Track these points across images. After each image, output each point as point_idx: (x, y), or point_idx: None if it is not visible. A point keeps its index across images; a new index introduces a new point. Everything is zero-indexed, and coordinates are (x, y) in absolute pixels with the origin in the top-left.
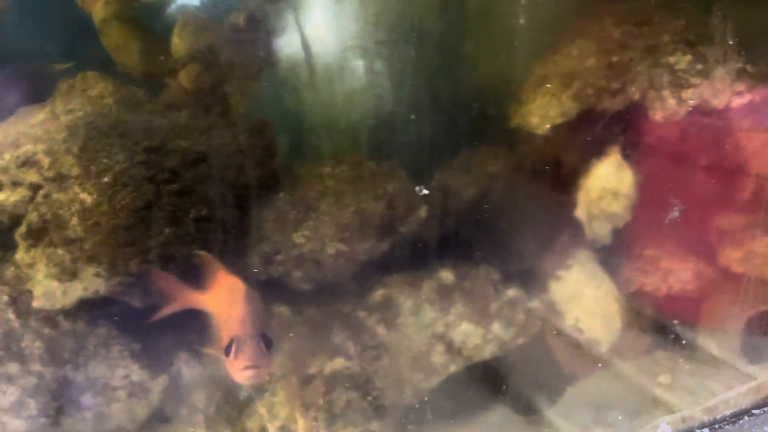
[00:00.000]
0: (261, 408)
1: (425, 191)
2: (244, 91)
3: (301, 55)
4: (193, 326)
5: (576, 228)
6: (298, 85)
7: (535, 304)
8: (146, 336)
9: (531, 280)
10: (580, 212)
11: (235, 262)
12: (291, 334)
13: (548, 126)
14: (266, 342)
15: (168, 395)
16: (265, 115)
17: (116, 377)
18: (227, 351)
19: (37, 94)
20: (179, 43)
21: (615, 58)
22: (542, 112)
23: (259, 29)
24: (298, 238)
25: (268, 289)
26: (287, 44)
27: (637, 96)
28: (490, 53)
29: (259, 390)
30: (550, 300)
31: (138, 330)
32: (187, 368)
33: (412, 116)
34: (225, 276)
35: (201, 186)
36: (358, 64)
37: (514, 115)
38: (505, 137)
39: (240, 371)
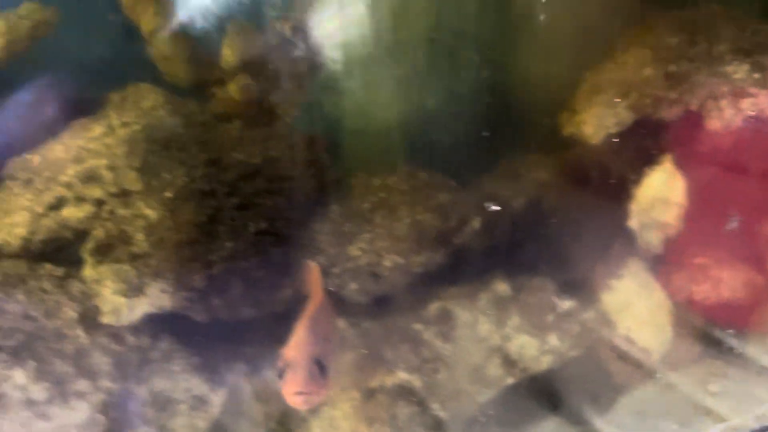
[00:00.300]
0: (322, 422)
1: (495, 207)
2: (292, 101)
3: (345, 65)
4: (251, 339)
5: (628, 237)
6: (343, 96)
7: (589, 314)
8: (206, 349)
9: (584, 290)
10: (633, 222)
11: (293, 275)
12: (362, 350)
13: (603, 135)
14: (321, 368)
15: (228, 408)
16: (310, 126)
17: (178, 390)
18: (279, 374)
19: (87, 107)
20: (229, 54)
21: (673, 68)
22: (597, 122)
23: (304, 38)
24: (354, 250)
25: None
26: (332, 54)
27: (694, 105)
28: (540, 61)
29: (321, 402)
30: (602, 310)
31: (198, 343)
32: (246, 382)
33: (459, 125)
34: (313, 292)
35: (258, 199)
36: (405, 73)
37: (566, 123)
38: (555, 146)
39: (290, 396)
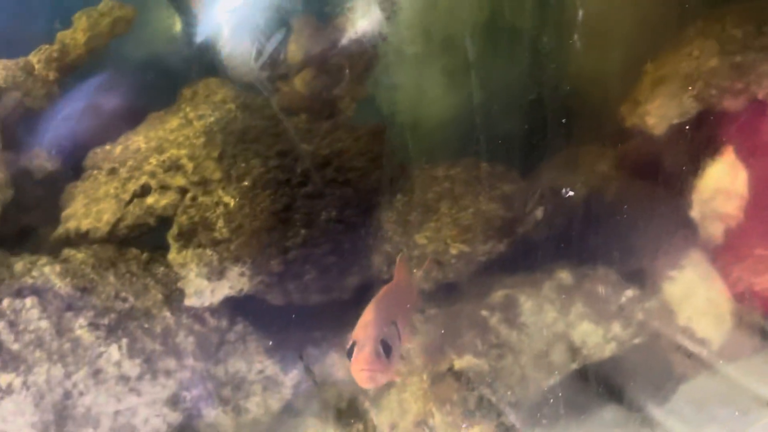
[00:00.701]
0: (392, 403)
1: (571, 192)
2: (353, 95)
3: (403, 59)
4: (321, 325)
5: (689, 228)
6: (402, 90)
7: (650, 304)
8: (278, 333)
9: (646, 280)
10: (694, 212)
11: (362, 262)
12: (430, 335)
13: (666, 126)
14: (386, 348)
15: (299, 390)
16: (372, 118)
17: (252, 372)
18: (348, 353)
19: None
20: (295, 49)
21: (738, 59)
22: (661, 113)
23: (363, 34)
24: (420, 239)
25: None
26: (390, 49)
27: (761, 95)
28: (602, 53)
29: (389, 385)
30: (663, 300)
31: (271, 327)
32: (317, 365)
33: (521, 118)
34: (395, 277)
35: (328, 189)
36: (465, 67)
37: (629, 115)
38: (617, 137)
39: (356, 373)
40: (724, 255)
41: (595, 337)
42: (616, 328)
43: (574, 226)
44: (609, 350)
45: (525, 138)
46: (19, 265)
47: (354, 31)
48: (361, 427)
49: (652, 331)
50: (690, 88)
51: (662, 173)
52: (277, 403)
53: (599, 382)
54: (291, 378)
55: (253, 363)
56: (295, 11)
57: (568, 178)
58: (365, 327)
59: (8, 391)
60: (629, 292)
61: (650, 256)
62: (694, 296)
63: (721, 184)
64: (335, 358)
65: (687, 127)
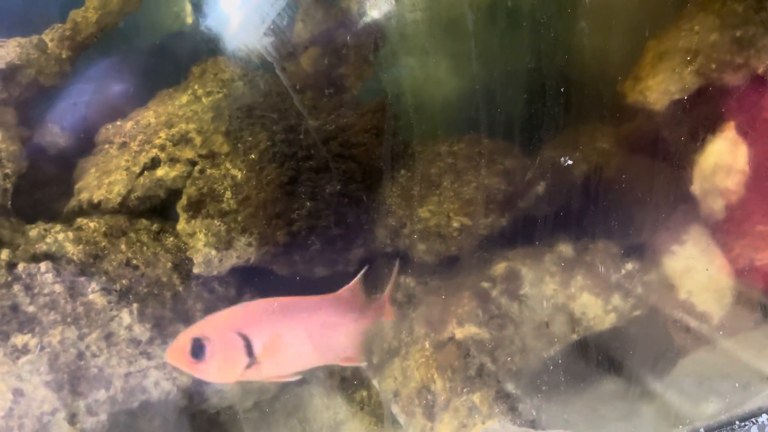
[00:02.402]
0: (395, 372)
1: (570, 161)
2: (359, 74)
3: (407, 37)
4: (326, 293)
5: (690, 203)
6: (406, 68)
7: (650, 277)
8: None
9: (646, 254)
10: (695, 188)
11: (365, 234)
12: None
13: (667, 102)
14: (197, 349)
15: None
16: (376, 96)
17: None
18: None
19: (167, 79)
20: (302, 28)
21: (739, 33)
22: (662, 88)
23: (369, 14)
24: (423, 212)
25: (393, 261)
26: (395, 28)
27: (761, 70)
28: (602, 29)
29: (392, 354)
30: (663, 274)
31: (278, 295)
32: None
33: (520, 93)
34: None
35: (333, 163)
36: (465, 43)
37: (630, 91)
38: (618, 114)
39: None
40: (725, 230)
41: (595, 309)
42: (616, 300)
43: (574, 201)
44: (609, 322)
45: (527, 117)
46: (33, 232)
47: (360, 11)
48: (364, 394)
49: (652, 304)
50: (691, 63)
51: (663, 149)
52: None
53: (599, 354)
54: None
55: None
56: None
57: (569, 154)
58: (211, 320)
59: (24, 351)
60: (629, 266)
61: (651, 231)
62: (695, 271)
63: (722, 159)
64: None
65: (687, 103)
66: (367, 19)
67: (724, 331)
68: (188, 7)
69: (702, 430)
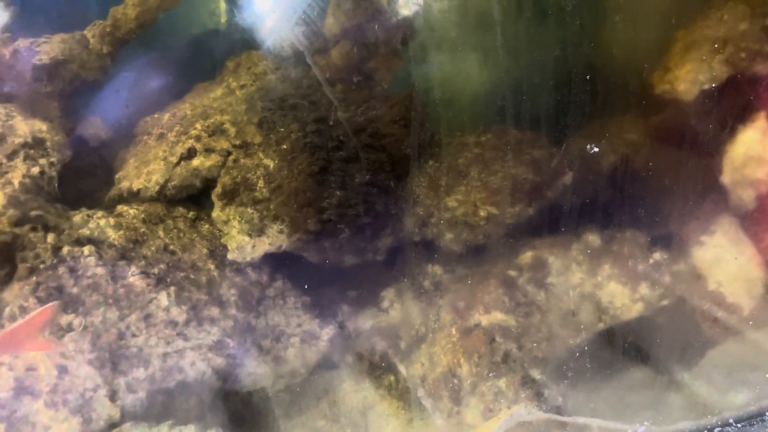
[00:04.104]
0: (422, 357)
1: (596, 149)
2: (388, 67)
3: (436, 30)
4: (354, 284)
5: (720, 194)
6: (436, 62)
7: (679, 267)
8: (315, 290)
9: (675, 244)
10: (725, 178)
11: (394, 223)
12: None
13: (697, 91)
14: None
15: (335, 344)
16: (405, 89)
17: (291, 325)
18: None
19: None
20: (333, 23)
21: None
22: (691, 78)
23: (398, 8)
24: (450, 201)
25: (421, 250)
26: (424, 21)
27: None
28: (630, 20)
29: (420, 340)
30: (692, 264)
31: (308, 284)
32: (351, 321)
33: (548, 85)
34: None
35: (362, 153)
36: (493, 36)
37: (659, 82)
38: (647, 105)
39: None
40: (756, 221)
41: (623, 298)
42: (644, 289)
43: (602, 191)
44: (636, 311)
45: (555, 108)
46: (77, 217)
47: (390, 5)
48: (392, 378)
49: (681, 294)
50: (720, 52)
51: (692, 139)
52: (314, 356)
53: (626, 343)
54: (327, 333)
55: (292, 317)
56: None
57: (596, 144)
58: None
59: (68, 329)
60: (657, 255)
61: (679, 221)
62: (724, 262)
63: (752, 149)
64: (368, 315)
65: (717, 92)
66: (396, 13)
67: (754, 322)
68: (222, 6)
69: (732, 420)
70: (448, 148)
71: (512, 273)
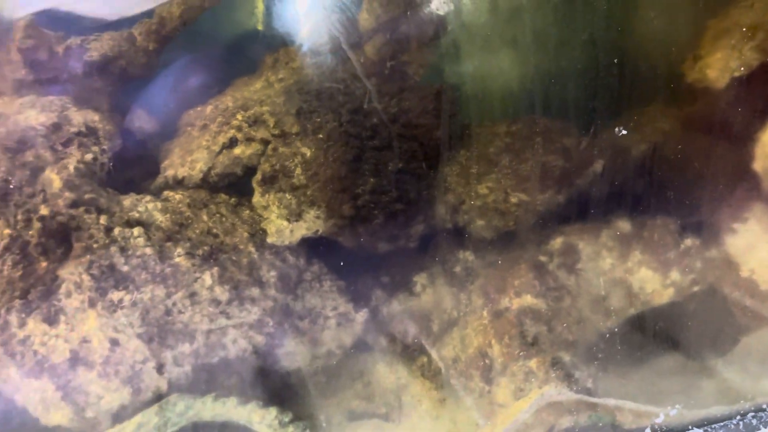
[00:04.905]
0: (454, 339)
1: (624, 131)
2: (421, 62)
3: (467, 23)
4: (387, 270)
5: (752, 181)
6: (466, 51)
7: (711, 253)
8: (350, 275)
9: (707, 231)
10: (757, 165)
11: (426, 210)
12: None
13: (728, 79)
14: None
15: (369, 327)
16: (437, 81)
17: (327, 308)
18: None
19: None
20: (367, 18)
21: None
22: (722, 65)
23: (432, 5)
24: (482, 189)
25: (453, 236)
26: (456, 14)
27: None
28: (662, 10)
29: (451, 324)
30: (725, 251)
31: (343, 269)
32: (385, 305)
33: (579, 75)
34: None
35: (395, 142)
36: (523, 28)
37: (690, 70)
38: (678, 93)
39: None
40: None
41: (654, 283)
42: (675, 275)
43: (633, 178)
44: (667, 296)
45: (586, 98)
46: (127, 201)
47: (422, 2)
48: (425, 360)
49: (713, 280)
50: (751, 39)
51: (723, 126)
52: (349, 338)
53: (658, 328)
54: (361, 316)
55: (328, 300)
56: None
57: (628, 136)
58: None
59: (120, 305)
60: (689, 242)
61: (711, 208)
62: (758, 249)
63: None
64: (401, 299)
65: (748, 79)
66: (429, 9)
67: None
68: (261, 5)
69: (765, 406)
70: (479, 138)
71: (543, 258)
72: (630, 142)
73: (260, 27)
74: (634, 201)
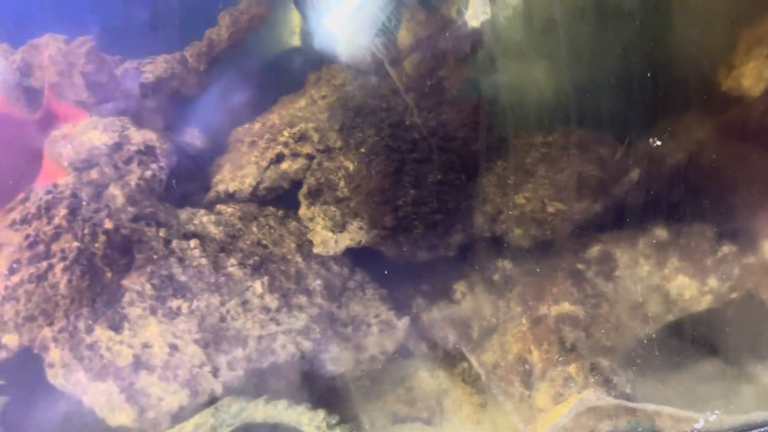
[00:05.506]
0: (494, 345)
1: (658, 142)
2: (457, 76)
3: (503, 38)
4: (428, 278)
5: None
6: (502, 65)
7: (749, 260)
8: (391, 283)
9: (744, 237)
10: None
11: (464, 220)
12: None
13: (763, 87)
14: None
15: (410, 334)
16: (474, 95)
17: (369, 315)
18: None
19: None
20: (405, 35)
21: None
22: (756, 74)
23: (467, 19)
24: (519, 199)
25: (491, 245)
26: (492, 30)
27: None
28: (696, 21)
29: (491, 331)
30: (763, 258)
31: (385, 278)
32: (425, 312)
33: (614, 86)
34: None
35: (434, 155)
36: (557, 42)
37: (723, 79)
38: (713, 102)
39: None
40: None
41: (691, 290)
42: (713, 281)
43: (669, 187)
44: (705, 303)
45: (622, 108)
46: (183, 215)
47: (459, 18)
48: (465, 365)
49: (751, 286)
50: None
51: (759, 134)
52: (391, 344)
53: (696, 334)
54: (403, 323)
55: (370, 308)
56: (405, 2)
57: (663, 141)
58: None
59: (178, 312)
60: (726, 249)
61: (748, 216)
62: None
63: None
64: (441, 307)
65: None
66: (465, 23)
67: None
68: (302, 25)
69: None
70: (516, 149)
71: (580, 266)
72: (666, 150)
73: (302, 46)
74: (671, 209)
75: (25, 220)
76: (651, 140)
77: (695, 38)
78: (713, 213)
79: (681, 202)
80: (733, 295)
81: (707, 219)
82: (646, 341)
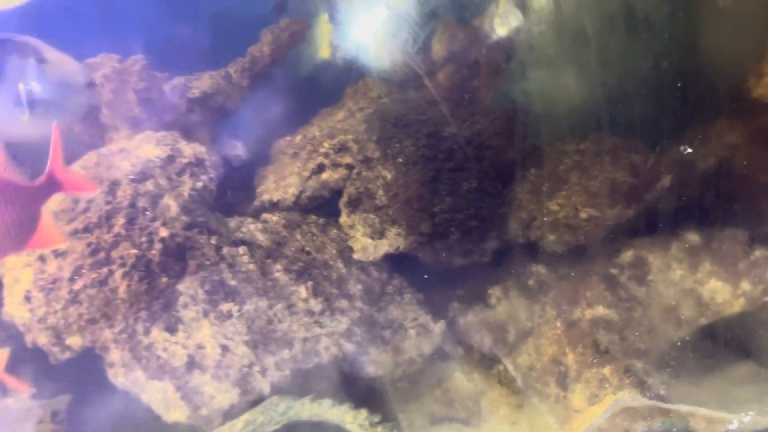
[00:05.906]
0: (529, 348)
1: (689, 150)
2: (490, 86)
3: (534, 48)
4: (464, 283)
5: None
6: (534, 75)
7: None
8: (428, 288)
9: None
10: None
11: (499, 227)
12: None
13: None
14: None
15: (447, 337)
16: (506, 104)
17: (407, 319)
18: None
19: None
20: (439, 48)
21: None
22: None
23: (499, 31)
24: (552, 206)
25: (525, 251)
26: (523, 41)
27: None
28: (726, 28)
29: (526, 334)
30: None
31: (422, 282)
32: (461, 317)
33: (646, 93)
34: None
35: (469, 163)
36: (588, 52)
37: (754, 86)
38: (741, 108)
39: None
40: None
41: (724, 294)
42: (746, 285)
43: (701, 192)
44: (738, 306)
45: (654, 115)
46: (232, 223)
47: (490, 30)
48: (501, 368)
49: None
50: None
51: None
52: (429, 348)
53: (729, 337)
54: (439, 327)
55: (408, 312)
56: (438, 16)
57: (695, 148)
58: None
59: (228, 316)
60: (758, 252)
61: None
62: None
63: None
64: (477, 311)
65: None
66: (496, 38)
67: None
68: (339, 41)
69: None
70: (549, 157)
71: (613, 271)
72: (697, 156)
73: (339, 60)
74: (703, 213)
75: (86, 229)
76: (682, 147)
77: (725, 46)
78: (745, 218)
79: (712, 207)
80: (766, 299)
81: (739, 223)
82: (679, 344)
